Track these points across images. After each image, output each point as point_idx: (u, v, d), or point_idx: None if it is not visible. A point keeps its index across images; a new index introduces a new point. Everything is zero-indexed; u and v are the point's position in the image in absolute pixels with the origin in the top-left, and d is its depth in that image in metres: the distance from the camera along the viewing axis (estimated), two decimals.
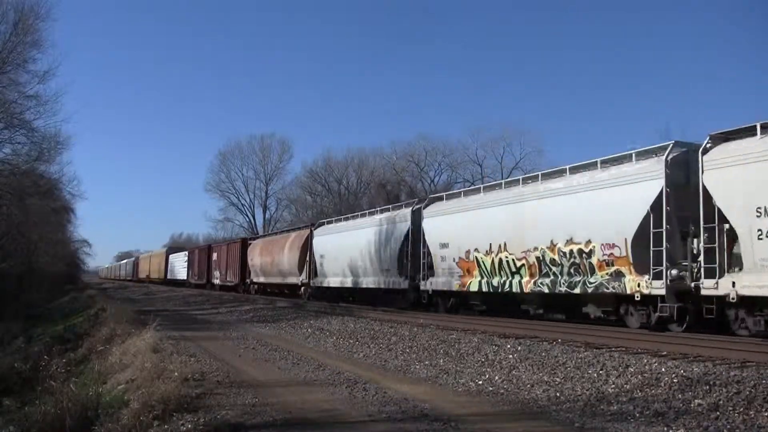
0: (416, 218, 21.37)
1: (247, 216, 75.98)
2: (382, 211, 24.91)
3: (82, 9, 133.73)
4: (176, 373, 9.01)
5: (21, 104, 29.45)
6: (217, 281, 45.74)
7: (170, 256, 65.76)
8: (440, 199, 21.21)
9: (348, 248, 25.64)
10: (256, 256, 36.73)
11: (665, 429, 6.08)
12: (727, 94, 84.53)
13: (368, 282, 24.25)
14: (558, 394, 7.79)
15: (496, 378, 8.92)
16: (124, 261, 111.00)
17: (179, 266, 59.74)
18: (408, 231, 21.61)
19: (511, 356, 10.16)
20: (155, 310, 25.16)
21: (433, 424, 6.49)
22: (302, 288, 30.64)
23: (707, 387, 7.19)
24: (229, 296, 36.69)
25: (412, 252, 21.42)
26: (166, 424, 7.12)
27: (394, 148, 63.73)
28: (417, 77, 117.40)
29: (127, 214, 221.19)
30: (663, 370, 8.15)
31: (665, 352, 9.46)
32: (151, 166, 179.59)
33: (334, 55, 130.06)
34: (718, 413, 6.36)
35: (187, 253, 59.19)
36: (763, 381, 7.10)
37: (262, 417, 7.02)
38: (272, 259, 33.91)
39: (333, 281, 27.37)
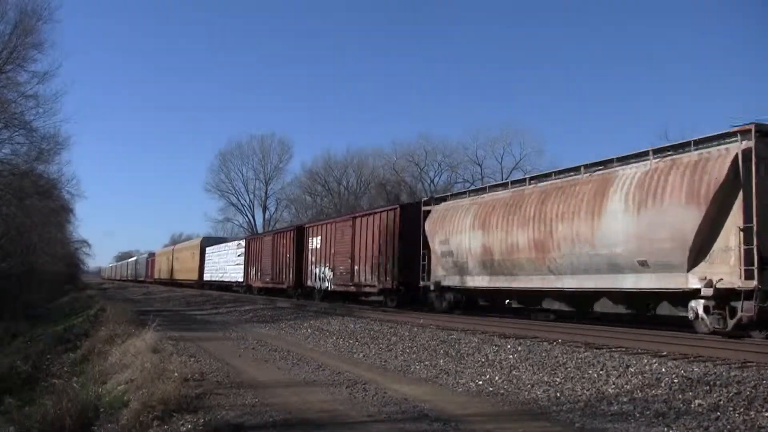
0: None
1: (247, 216, 76.25)
2: None
3: (83, 9, 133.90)
4: (176, 374, 9.01)
5: (20, 104, 29.54)
6: (324, 285, 27.09)
7: (207, 249, 49.21)
8: None
9: None
10: (463, 232, 17.95)
11: (665, 429, 6.07)
12: (727, 94, 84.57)
13: None
14: (558, 395, 7.78)
15: (497, 378, 8.92)
16: (133, 259, 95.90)
17: (227, 263, 43.19)
18: None
19: (511, 356, 10.17)
20: (155, 311, 25.17)
21: (433, 424, 6.49)
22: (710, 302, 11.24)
23: (707, 387, 7.19)
24: (229, 296, 36.63)
25: None
26: (166, 424, 7.12)
27: (394, 148, 63.99)
28: (417, 77, 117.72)
29: (127, 214, 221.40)
30: (663, 370, 8.16)
31: (665, 353, 9.47)
32: (151, 167, 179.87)
33: (335, 55, 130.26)
34: (718, 414, 6.35)
35: (243, 242, 40.93)
36: (764, 381, 7.10)
37: (263, 417, 7.01)
38: (544, 230, 14.76)
39: None
